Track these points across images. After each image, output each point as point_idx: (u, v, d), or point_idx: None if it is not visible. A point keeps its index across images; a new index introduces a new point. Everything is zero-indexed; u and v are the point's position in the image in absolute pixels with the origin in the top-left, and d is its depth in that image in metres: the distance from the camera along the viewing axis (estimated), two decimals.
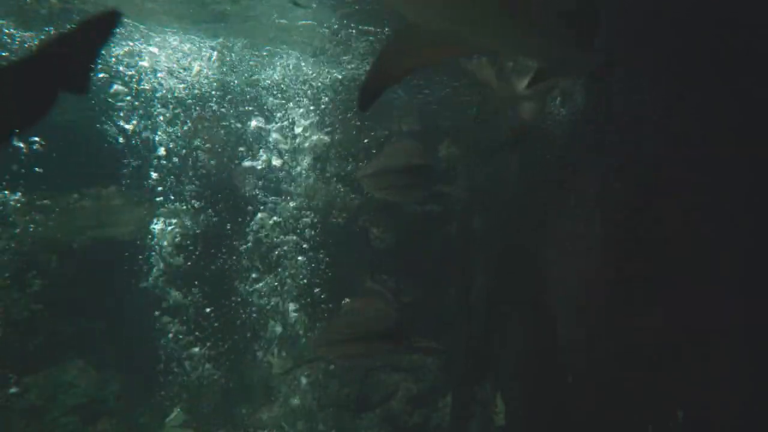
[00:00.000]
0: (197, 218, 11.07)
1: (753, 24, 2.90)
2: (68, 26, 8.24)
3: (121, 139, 10.92)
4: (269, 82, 11.03)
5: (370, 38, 8.95)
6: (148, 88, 10.88)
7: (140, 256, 10.62)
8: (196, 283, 10.70)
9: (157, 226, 10.88)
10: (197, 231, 10.98)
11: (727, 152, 3.00)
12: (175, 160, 10.99)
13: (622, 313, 4.14)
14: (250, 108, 11.43)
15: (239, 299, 10.75)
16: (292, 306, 10.62)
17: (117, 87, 10.60)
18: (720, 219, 3.05)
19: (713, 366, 3.06)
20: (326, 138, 10.97)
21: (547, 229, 5.97)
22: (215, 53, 10.10)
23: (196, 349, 10.47)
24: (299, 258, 10.68)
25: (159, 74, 10.65)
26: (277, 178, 11.22)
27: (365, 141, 10.89)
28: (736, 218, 2.90)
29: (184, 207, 11.01)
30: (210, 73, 10.85)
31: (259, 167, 11.17)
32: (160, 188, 10.94)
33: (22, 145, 9.73)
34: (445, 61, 10.00)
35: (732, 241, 2.96)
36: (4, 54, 9.52)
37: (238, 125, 11.48)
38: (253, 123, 11.29)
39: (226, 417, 10.31)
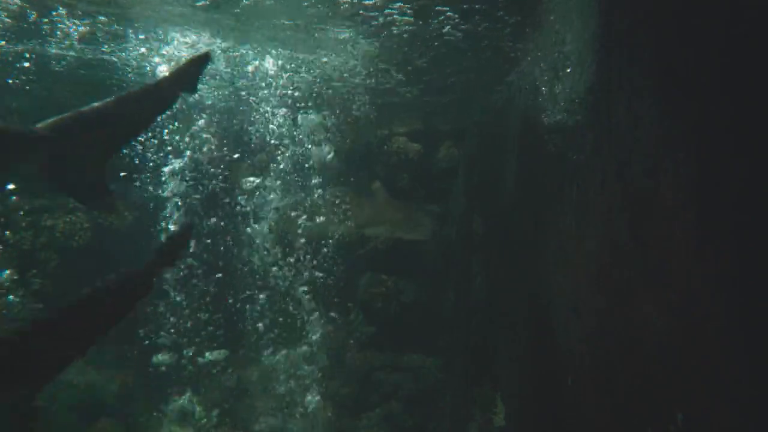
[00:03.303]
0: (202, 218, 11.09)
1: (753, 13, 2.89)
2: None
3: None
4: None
5: None
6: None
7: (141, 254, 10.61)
8: (195, 281, 10.71)
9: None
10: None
11: (725, 151, 3.00)
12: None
13: (621, 314, 4.14)
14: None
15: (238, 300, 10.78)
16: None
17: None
18: (718, 220, 3.05)
19: (713, 366, 3.07)
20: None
21: (547, 229, 5.97)
22: None
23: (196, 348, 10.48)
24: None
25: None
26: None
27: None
28: (736, 218, 2.91)
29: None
30: None
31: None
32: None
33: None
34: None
35: (731, 240, 2.96)
36: None
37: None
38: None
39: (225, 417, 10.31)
